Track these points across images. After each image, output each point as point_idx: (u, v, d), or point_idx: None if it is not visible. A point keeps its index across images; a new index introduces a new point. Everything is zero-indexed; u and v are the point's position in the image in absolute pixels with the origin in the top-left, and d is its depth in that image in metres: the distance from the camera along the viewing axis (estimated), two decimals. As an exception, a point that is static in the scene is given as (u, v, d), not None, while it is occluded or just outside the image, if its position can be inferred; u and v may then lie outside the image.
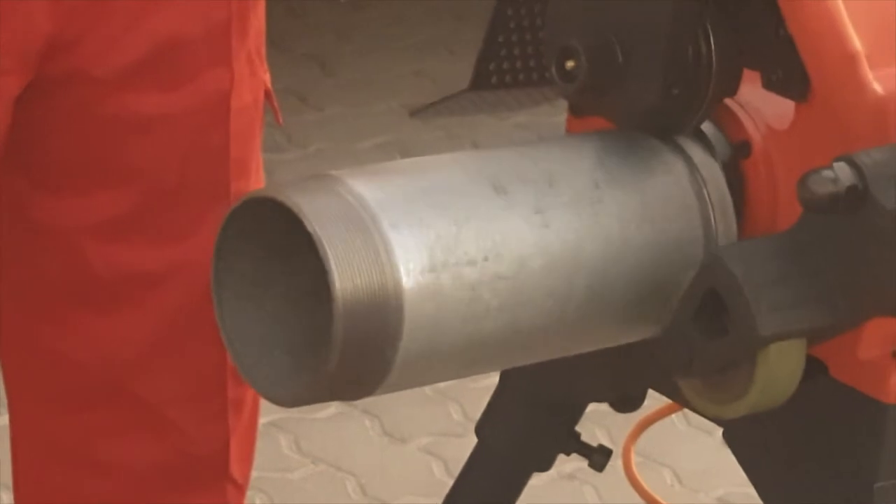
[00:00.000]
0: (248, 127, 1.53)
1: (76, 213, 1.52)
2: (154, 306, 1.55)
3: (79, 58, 1.49)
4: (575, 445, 1.38)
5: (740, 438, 1.24)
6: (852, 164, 0.97)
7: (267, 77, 1.50)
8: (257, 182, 1.53)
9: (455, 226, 1.00)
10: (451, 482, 1.52)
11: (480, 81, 1.40)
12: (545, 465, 1.39)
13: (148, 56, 1.48)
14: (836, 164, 0.97)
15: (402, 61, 3.74)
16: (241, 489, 1.57)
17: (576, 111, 1.22)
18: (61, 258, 1.55)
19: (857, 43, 1.05)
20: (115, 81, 1.51)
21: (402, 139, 3.28)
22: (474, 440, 1.41)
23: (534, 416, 1.38)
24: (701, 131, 1.14)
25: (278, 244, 1.01)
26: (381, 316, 0.94)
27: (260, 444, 1.76)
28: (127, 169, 1.49)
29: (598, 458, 1.34)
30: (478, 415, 1.45)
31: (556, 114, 1.38)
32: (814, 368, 1.14)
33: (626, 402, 1.31)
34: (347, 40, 3.85)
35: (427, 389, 2.79)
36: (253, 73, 1.50)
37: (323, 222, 0.93)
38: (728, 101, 1.13)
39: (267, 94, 1.51)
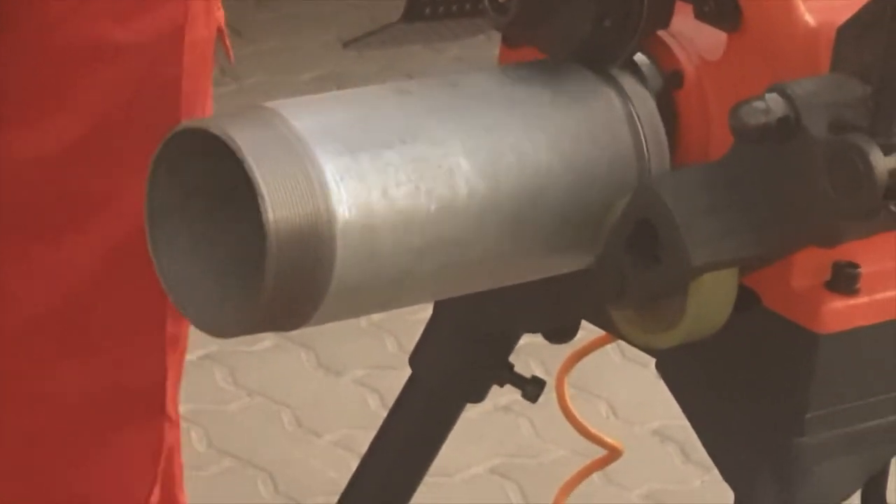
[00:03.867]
0: (201, 62, 1.53)
1: (23, 143, 1.52)
2: (97, 236, 1.54)
3: None
4: (508, 376, 1.38)
5: (673, 369, 1.23)
6: (784, 94, 0.96)
7: (220, 14, 1.51)
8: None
9: (389, 151, 1.00)
10: (385, 414, 1.54)
11: (414, 13, 1.36)
12: (478, 397, 1.40)
13: None
14: (767, 95, 0.97)
15: (339, -4, 3.73)
16: (175, 425, 1.57)
17: (509, 42, 1.20)
18: (8, 188, 1.56)
19: None
20: (71, 9, 1.50)
21: (338, 72, 3.30)
22: (409, 372, 1.42)
23: (467, 346, 1.37)
24: (633, 62, 1.13)
25: (211, 177, 1.00)
26: (315, 243, 0.95)
27: (195, 377, 1.77)
28: (77, 99, 1.50)
29: (532, 389, 1.34)
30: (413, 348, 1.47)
31: (493, 47, 1.38)
32: (746, 298, 1.14)
33: (560, 333, 1.30)
34: (282, -24, 3.83)
35: (362, 321, 2.82)
36: (207, 9, 1.50)
37: (255, 152, 0.93)
38: (660, 31, 1.13)
39: (219, 31, 1.52)
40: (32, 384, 1.54)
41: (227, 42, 1.56)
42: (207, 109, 1.53)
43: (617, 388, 2.46)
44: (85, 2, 1.48)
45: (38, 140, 1.50)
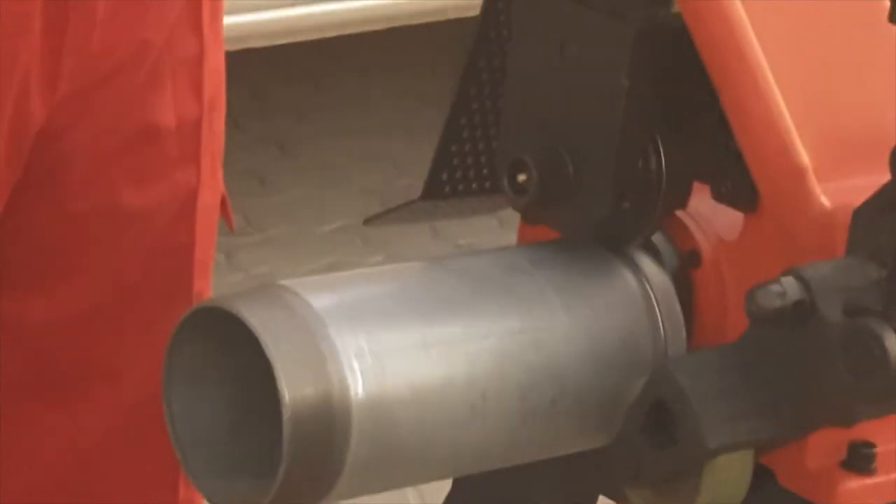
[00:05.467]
0: (210, 227, 1.53)
1: (36, 308, 1.52)
2: (109, 401, 1.54)
3: (66, 147, 1.52)
4: None
5: None
6: (799, 277, 0.95)
7: (222, 181, 1.52)
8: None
9: (408, 332, 1.01)
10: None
11: (433, 191, 1.38)
12: None
13: (126, 147, 1.51)
14: (783, 279, 0.96)
15: (362, 144, 3.74)
16: None
17: (527, 219, 1.26)
18: (21, 353, 1.55)
19: (804, 157, 1.04)
20: (92, 175, 1.53)
21: (362, 223, 3.27)
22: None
23: None
24: (651, 241, 1.12)
25: (230, 347, 1.01)
26: (330, 421, 0.94)
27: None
28: (91, 266, 1.50)
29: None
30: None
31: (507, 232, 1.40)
32: (762, 476, 1.12)
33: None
34: (307, 122, 3.84)
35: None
36: (214, 174, 1.51)
37: (271, 332, 0.94)
38: (678, 211, 1.16)
39: (222, 200, 1.52)
40: None
41: (229, 211, 1.56)
42: (210, 273, 1.58)
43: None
44: (106, 167, 1.50)
45: (50, 306, 1.50)
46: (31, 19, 1.47)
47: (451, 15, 3.70)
